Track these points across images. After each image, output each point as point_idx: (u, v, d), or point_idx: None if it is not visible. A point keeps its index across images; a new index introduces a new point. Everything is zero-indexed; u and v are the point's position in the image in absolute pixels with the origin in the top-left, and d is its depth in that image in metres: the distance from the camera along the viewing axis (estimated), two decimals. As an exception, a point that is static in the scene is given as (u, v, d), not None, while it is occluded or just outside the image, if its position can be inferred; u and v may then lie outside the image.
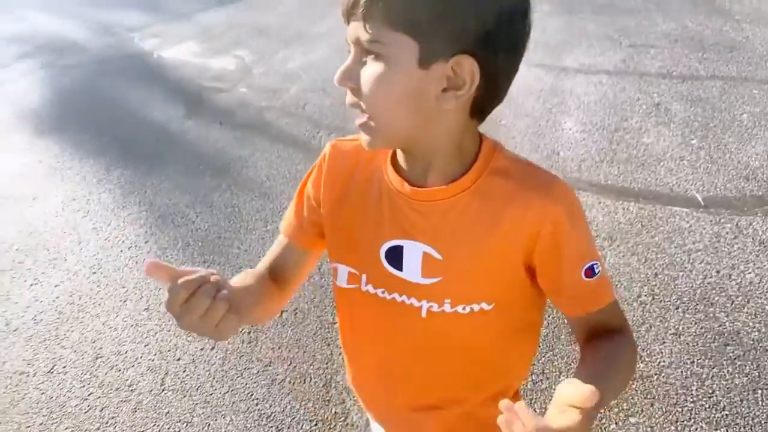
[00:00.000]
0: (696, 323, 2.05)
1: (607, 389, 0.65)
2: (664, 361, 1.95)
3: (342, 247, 0.83)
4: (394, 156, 0.79)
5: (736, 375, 1.87)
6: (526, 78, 3.97)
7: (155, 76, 4.90)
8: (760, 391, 1.82)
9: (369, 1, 0.63)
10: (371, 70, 0.65)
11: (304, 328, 2.20)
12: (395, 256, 0.77)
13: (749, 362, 1.90)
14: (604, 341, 0.76)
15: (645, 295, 2.18)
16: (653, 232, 2.48)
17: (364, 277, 0.81)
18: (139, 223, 2.92)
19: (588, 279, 0.74)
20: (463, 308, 0.76)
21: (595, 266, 0.74)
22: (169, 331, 2.26)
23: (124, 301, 2.43)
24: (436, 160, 0.73)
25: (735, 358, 1.92)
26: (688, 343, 1.98)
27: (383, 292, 0.79)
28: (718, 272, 2.24)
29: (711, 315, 2.07)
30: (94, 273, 2.61)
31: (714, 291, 2.16)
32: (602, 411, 1.76)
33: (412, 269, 0.76)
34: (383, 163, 0.79)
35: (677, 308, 2.11)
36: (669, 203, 2.64)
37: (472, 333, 0.79)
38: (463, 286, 0.76)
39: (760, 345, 1.95)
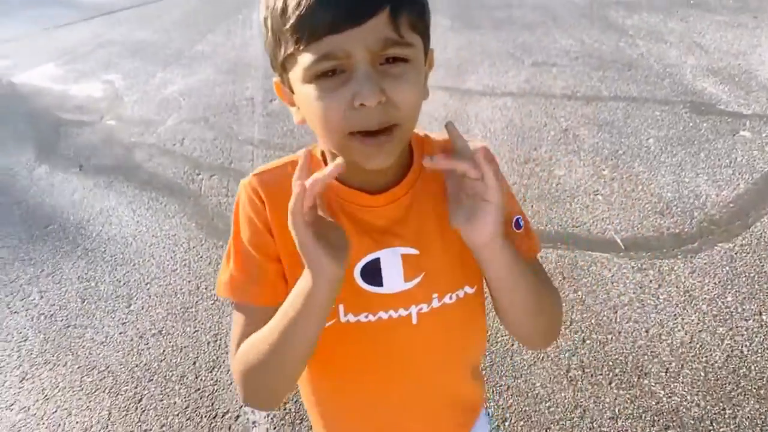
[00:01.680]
0: (632, 401, 1.81)
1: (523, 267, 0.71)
2: (602, 455, 1.69)
3: None
4: None
5: (682, 466, 1.64)
6: (430, 102, 3.68)
7: (4, 108, 4.16)
8: (708, 484, 1.60)
9: (397, 5, 0.60)
10: (408, 75, 0.63)
11: (173, 453, 1.74)
12: (372, 272, 0.74)
13: (693, 447, 1.68)
14: None
15: (575, 368, 1.92)
16: (575, 285, 2.25)
17: (341, 307, 0.75)
18: (-37, 311, 2.31)
19: (517, 230, 0.78)
20: (450, 297, 0.77)
21: (519, 219, 0.79)
22: (-12, 475, 1.72)
23: (-71, 433, 1.85)
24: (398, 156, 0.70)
25: (678, 443, 1.70)
26: (626, 430, 1.73)
27: (367, 316, 0.75)
28: (647, 332, 2.03)
29: (647, 389, 1.84)
30: None
31: (646, 357, 1.94)
32: None
33: (393, 278, 0.74)
34: None
35: (611, 383, 1.87)
36: (589, 248, 2.43)
37: (462, 322, 0.80)
38: (446, 272, 0.76)
39: (702, 424, 1.74)
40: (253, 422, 1.81)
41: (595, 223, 2.57)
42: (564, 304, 2.16)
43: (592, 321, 2.08)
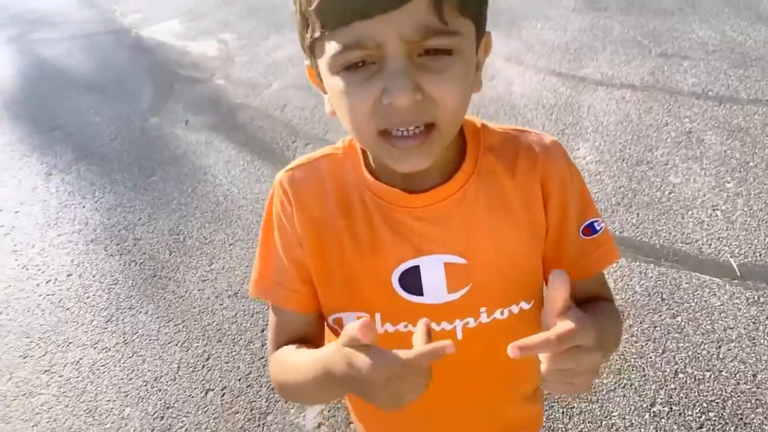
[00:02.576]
0: (724, 452, 1.60)
1: (605, 328, 0.61)
2: (679, 506, 1.50)
3: (341, 292, 0.69)
4: (367, 165, 0.67)
5: None
6: (540, 88, 3.46)
7: (129, 59, 4.43)
8: None
9: None
10: (452, 70, 0.53)
11: (231, 417, 1.77)
12: (412, 281, 0.66)
13: None
14: (592, 302, 0.71)
15: (660, 404, 1.72)
16: (676, 309, 2.01)
17: (378, 317, 0.68)
18: (68, 248, 2.49)
19: (586, 237, 0.70)
20: (501, 313, 0.69)
21: (595, 223, 0.71)
22: (66, 407, 1.84)
23: (24, 358, 2.01)
24: (444, 152, 0.61)
25: None
26: (712, 484, 1.53)
27: (406, 326, 0.68)
28: (754, 376, 1.78)
29: (744, 442, 1.61)
30: (-1, 314, 2.19)
31: (749, 404, 1.70)
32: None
33: (435, 289, 0.66)
34: (358, 176, 0.67)
35: (701, 427, 1.66)
36: (697, 269, 2.16)
37: (515, 339, 0.65)
38: (497, 285, 0.68)
39: (808, 494, 1.50)
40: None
41: (709, 242, 2.28)
42: (658, 328, 1.95)
43: (689, 353, 1.86)
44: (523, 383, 0.81)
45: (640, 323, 1.97)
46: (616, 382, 1.78)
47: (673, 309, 2.01)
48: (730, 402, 1.71)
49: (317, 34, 0.54)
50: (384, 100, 0.52)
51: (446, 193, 0.65)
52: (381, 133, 0.56)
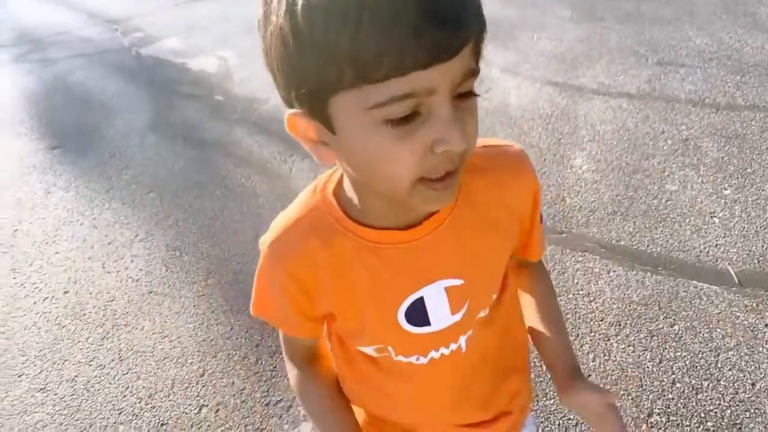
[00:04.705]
0: (723, 463, 1.57)
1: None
2: None
3: (356, 331, 0.72)
4: (344, 211, 0.67)
5: None
6: (536, 98, 3.46)
7: (129, 78, 4.48)
8: None
9: (483, 31, 0.52)
10: (475, 109, 0.55)
11: (224, 433, 1.76)
12: (418, 312, 0.68)
13: None
14: (536, 283, 0.86)
15: (658, 413, 1.70)
16: (673, 318, 1.99)
17: (390, 349, 0.71)
18: (65, 265, 2.50)
19: (542, 224, 0.77)
20: (483, 311, 0.74)
21: (541, 215, 0.78)
22: (60, 425, 1.83)
23: (20, 376, 2.01)
24: None
25: None
26: (711, 496, 1.51)
27: (418, 359, 0.72)
28: (753, 385, 1.75)
29: (743, 452, 1.59)
30: (-5, 333, 2.20)
31: (747, 414, 1.68)
32: None
33: (440, 315, 0.68)
34: (346, 227, 0.66)
35: (699, 438, 1.63)
36: (695, 277, 2.15)
37: (502, 325, 0.78)
38: (484, 291, 0.73)
39: (809, 505, 1.47)
40: (304, 415, 1.78)
41: (706, 250, 2.27)
42: (656, 338, 1.93)
43: (687, 362, 1.83)
44: (519, 355, 0.87)
45: (638, 332, 1.95)
46: (613, 393, 1.76)
47: (670, 318, 1.99)
48: (729, 411, 1.68)
49: (350, 82, 0.48)
50: (438, 148, 0.51)
51: (438, 221, 0.65)
52: (420, 180, 0.54)
